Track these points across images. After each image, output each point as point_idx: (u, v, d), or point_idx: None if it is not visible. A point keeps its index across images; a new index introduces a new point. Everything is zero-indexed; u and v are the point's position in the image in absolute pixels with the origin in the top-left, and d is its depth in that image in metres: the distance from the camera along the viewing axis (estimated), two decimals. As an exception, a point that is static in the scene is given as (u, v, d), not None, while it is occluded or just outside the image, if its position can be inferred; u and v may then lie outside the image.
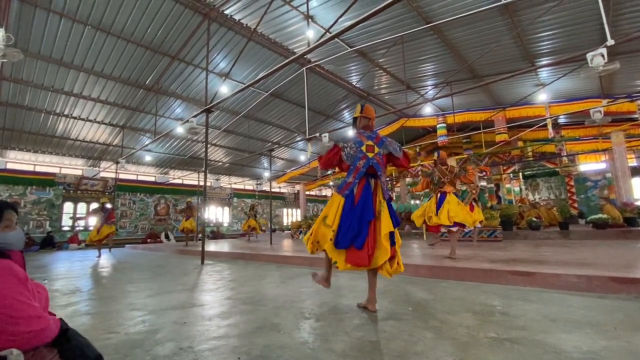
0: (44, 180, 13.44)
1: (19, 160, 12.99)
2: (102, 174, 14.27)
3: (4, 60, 4.17)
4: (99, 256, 8.76)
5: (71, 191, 14.17)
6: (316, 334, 2.01)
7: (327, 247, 2.42)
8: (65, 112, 10.81)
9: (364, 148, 2.55)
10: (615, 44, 4.24)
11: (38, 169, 13.54)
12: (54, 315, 1.33)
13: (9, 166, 12.56)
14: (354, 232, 2.33)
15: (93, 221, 9.32)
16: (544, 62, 8.59)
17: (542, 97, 10.50)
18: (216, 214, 20.04)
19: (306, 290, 3.36)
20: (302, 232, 13.31)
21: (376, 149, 2.58)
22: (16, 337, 0.96)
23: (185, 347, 1.85)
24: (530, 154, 13.75)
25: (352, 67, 10.40)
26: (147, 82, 10.13)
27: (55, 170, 14.01)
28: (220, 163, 16.83)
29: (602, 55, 4.31)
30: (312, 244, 2.53)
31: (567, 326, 1.98)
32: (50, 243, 12.81)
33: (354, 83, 11.43)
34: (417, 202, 19.97)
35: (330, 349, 1.75)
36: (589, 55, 4.42)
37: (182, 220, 12.14)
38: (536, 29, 7.62)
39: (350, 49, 8.54)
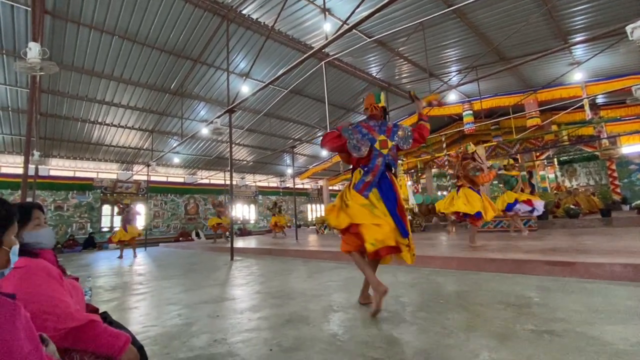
0: (83, 185, 14.36)
1: (60, 167, 13.90)
2: (135, 177, 15.00)
3: (42, 73, 4.43)
4: (121, 257, 8.50)
5: (108, 194, 15.03)
6: (345, 327, 2.01)
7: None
8: (99, 120, 11.42)
9: (377, 145, 2.37)
10: (660, 13, 3.89)
11: (77, 174, 14.45)
12: (97, 309, 1.41)
13: (52, 173, 13.48)
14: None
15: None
16: (579, 39, 8.01)
17: (578, 76, 9.82)
18: (242, 211, 20.52)
19: (333, 284, 3.37)
20: (327, 227, 13.35)
21: (389, 144, 2.40)
22: (57, 333, 0.98)
23: (219, 339, 1.92)
24: (565, 138, 12.94)
25: (372, 58, 10.22)
26: (172, 87, 10.48)
27: (93, 175, 14.89)
28: (245, 162, 17.18)
29: (645, 27, 3.98)
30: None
31: (612, 318, 1.86)
32: (91, 244, 13.67)
33: (374, 74, 11.24)
34: (444, 193, 19.45)
35: (361, 341, 1.75)
36: (628, 28, 4.10)
37: (212, 217, 12.07)
38: (569, 3, 7.12)
39: (369, 40, 8.38)
